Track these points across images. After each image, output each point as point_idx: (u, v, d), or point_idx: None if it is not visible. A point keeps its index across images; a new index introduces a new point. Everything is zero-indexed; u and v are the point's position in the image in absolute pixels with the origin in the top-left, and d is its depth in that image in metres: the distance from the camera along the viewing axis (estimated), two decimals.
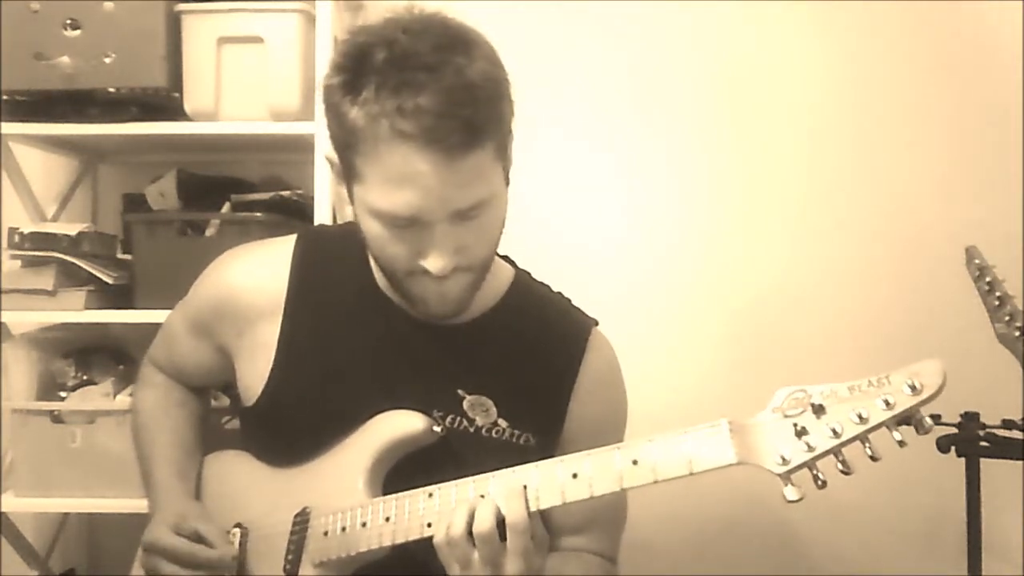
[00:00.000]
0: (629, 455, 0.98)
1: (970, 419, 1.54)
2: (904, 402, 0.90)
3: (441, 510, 1.05)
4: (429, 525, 1.05)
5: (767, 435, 0.93)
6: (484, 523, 1.00)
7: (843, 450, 0.92)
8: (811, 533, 2.12)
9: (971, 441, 1.52)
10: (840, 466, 0.92)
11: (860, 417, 0.90)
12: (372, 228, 1.10)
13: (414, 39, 1.04)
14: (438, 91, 1.00)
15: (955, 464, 1.53)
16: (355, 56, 1.05)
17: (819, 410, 0.92)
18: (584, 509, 1.18)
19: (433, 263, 1.07)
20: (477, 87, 1.03)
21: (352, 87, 1.04)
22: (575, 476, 1.01)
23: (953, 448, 1.52)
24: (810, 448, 0.91)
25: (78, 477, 1.85)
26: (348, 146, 1.06)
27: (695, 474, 0.95)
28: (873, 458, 0.91)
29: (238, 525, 1.22)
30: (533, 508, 1.02)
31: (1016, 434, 1.52)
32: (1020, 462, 1.50)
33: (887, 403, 0.90)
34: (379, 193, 1.05)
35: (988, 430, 1.53)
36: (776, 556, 2.11)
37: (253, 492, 1.25)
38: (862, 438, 0.91)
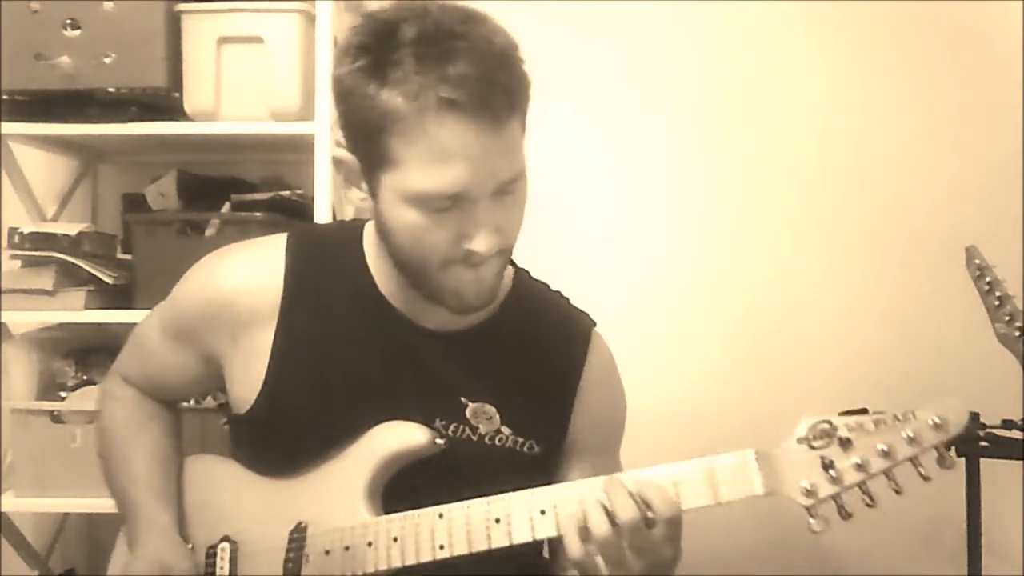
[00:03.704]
0: None
1: (970, 419, 1.54)
2: (928, 439, 0.91)
3: (455, 530, 1.02)
4: (442, 547, 1.02)
5: (794, 466, 0.93)
6: (629, 511, 0.94)
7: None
8: (810, 533, 2.12)
9: (971, 441, 1.52)
10: (865, 498, 0.92)
11: (884, 452, 0.91)
12: (407, 218, 1.03)
13: (441, 13, 1.01)
14: (477, 58, 0.98)
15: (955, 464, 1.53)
16: (381, 34, 1.00)
17: (846, 443, 0.92)
18: None
19: (480, 243, 1.03)
20: (506, 54, 1.02)
21: (379, 68, 0.99)
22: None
23: (953, 448, 1.52)
24: (836, 481, 0.92)
25: (78, 477, 1.84)
26: (381, 130, 1.00)
27: (722, 504, 0.95)
28: (897, 492, 0.91)
29: (226, 538, 1.15)
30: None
31: (1016, 434, 1.52)
32: (1020, 462, 1.50)
33: (911, 439, 0.91)
34: (423, 173, 1.00)
35: (988, 430, 1.53)
36: (776, 556, 2.11)
37: (242, 503, 1.18)
38: (887, 472, 0.92)
